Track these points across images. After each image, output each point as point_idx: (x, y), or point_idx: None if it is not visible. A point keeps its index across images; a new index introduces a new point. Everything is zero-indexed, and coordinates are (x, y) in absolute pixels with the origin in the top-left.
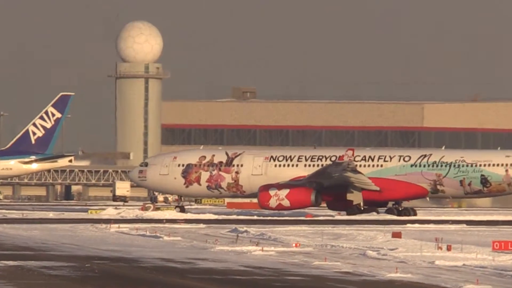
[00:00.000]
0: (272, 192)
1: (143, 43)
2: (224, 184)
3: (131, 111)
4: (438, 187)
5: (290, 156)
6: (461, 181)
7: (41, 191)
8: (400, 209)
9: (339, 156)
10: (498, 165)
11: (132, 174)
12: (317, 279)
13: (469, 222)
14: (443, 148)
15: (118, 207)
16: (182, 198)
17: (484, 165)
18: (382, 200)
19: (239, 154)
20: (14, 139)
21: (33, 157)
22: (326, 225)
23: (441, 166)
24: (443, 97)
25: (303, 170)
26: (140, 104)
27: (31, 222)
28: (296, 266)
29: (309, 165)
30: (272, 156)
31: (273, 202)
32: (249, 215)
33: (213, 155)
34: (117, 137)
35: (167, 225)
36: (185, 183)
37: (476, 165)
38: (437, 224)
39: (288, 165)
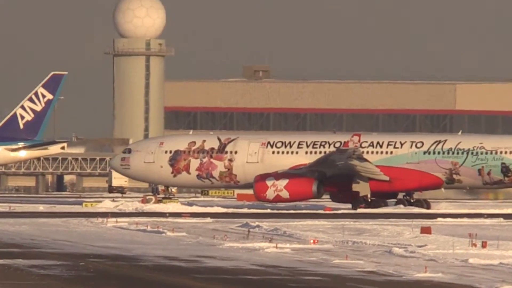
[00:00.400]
0: (269, 182)
1: (144, 17)
2: (215, 173)
3: (130, 93)
4: (454, 176)
5: (290, 142)
6: (479, 170)
7: (30, 182)
8: (412, 201)
9: (344, 142)
10: None
11: (113, 162)
12: (337, 279)
13: (506, 216)
14: (460, 133)
15: (116, 199)
16: (170, 189)
17: (505, 152)
18: (392, 191)
19: (233, 140)
20: (1, 123)
21: (21, 144)
22: (347, 219)
23: (458, 153)
24: (478, 76)
25: (304, 158)
26: (140, 84)
27: (19, 216)
28: (313, 265)
29: (311, 152)
30: (269, 142)
31: (270, 194)
32: (262, 208)
33: (204, 141)
34: (114, 121)
35: (170, 219)
36: (172, 172)
37: (496, 152)
38: (471, 218)
39: (287, 152)
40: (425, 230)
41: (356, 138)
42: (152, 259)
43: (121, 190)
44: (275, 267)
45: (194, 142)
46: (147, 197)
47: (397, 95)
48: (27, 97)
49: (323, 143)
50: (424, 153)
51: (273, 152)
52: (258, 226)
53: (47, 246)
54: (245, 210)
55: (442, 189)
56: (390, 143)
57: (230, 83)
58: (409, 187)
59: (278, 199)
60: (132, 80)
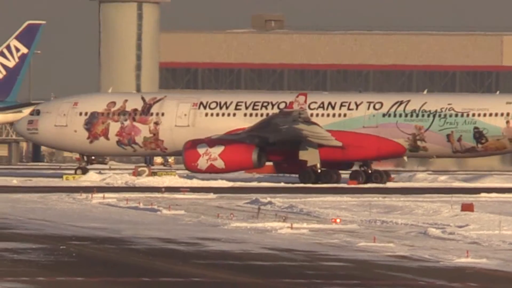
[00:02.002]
0: (201, 150)
1: None
2: (139, 139)
3: (119, 46)
4: (419, 143)
5: (226, 103)
6: (448, 136)
7: (2, 151)
8: (369, 171)
9: (289, 103)
10: (496, 114)
11: (19, 125)
12: (363, 265)
13: None
14: (425, 92)
15: (102, 171)
16: (85, 157)
17: (479, 115)
18: (346, 160)
19: (159, 100)
20: None
21: None
22: (375, 194)
23: (423, 115)
24: None
25: (242, 121)
26: (131, 36)
27: None
28: (335, 248)
29: (251, 114)
30: (202, 102)
31: (202, 163)
32: (275, 182)
33: (126, 101)
34: (100, 79)
35: (166, 194)
36: (88, 137)
37: (467, 115)
38: None
39: (223, 114)
40: (467, 208)
41: (302, 98)
42: (145, 241)
43: (101, 160)
44: (290, 251)
45: (114, 103)
46: (140, 169)
47: (433, 48)
48: None
49: (265, 104)
50: (384, 115)
51: (206, 114)
52: (270, 202)
53: (21, 227)
54: (255, 184)
55: (405, 158)
56: (344, 104)
57: (237, 34)
58: (365, 155)
59: (211, 169)
60: (122, 31)
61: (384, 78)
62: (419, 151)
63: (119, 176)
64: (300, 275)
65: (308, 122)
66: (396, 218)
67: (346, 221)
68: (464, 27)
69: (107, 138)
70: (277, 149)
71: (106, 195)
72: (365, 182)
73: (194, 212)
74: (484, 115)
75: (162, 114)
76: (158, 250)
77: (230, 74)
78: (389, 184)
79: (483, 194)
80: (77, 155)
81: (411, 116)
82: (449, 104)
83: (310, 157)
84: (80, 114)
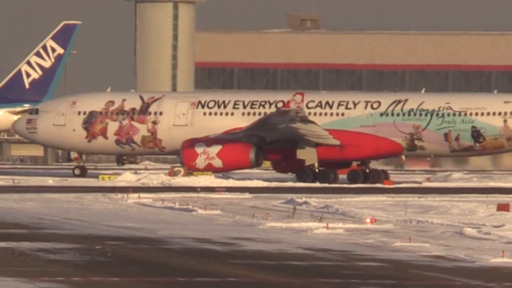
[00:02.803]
0: (199, 149)
1: None
2: (137, 138)
3: (155, 46)
4: (416, 142)
5: (224, 102)
6: (446, 135)
7: (38, 151)
8: (367, 171)
9: (286, 102)
10: (494, 113)
11: (18, 124)
12: (399, 265)
13: None
14: (423, 91)
15: (138, 171)
16: (84, 156)
17: (476, 114)
18: (344, 159)
19: (157, 99)
20: (3, 82)
21: (26, 106)
22: (410, 194)
23: (420, 115)
24: None
25: (240, 120)
26: (167, 36)
27: (24, 190)
28: (371, 248)
29: (248, 114)
30: (200, 102)
31: (200, 162)
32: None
33: (124, 100)
34: (136, 79)
35: (202, 194)
36: (87, 137)
37: (465, 114)
38: None
39: (221, 113)
40: (503, 207)
41: (298, 98)
42: (180, 241)
43: (133, 160)
44: (326, 251)
45: (112, 102)
46: (175, 169)
47: (469, 48)
48: (34, 51)
49: (262, 103)
50: (381, 114)
51: (205, 114)
52: (305, 202)
53: (57, 227)
54: (290, 184)
55: (403, 157)
56: (342, 103)
57: (273, 34)
58: (363, 154)
59: (209, 168)
60: (158, 31)
61: (420, 78)
62: (417, 150)
63: (155, 176)
64: (336, 275)
65: (305, 121)
66: (432, 218)
67: (381, 221)
68: (499, 26)
69: (106, 137)
70: (275, 148)
71: (142, 195)
72: (363, 182)
73: (229, 212)
74: (482, 114)
75: (160, 113)
76: (193, 250)
77: (266, 74)
78: (425, 184)
79: None
80: (76, 154)
81: (409, 115)
82: (447, 103)
83: (308, 156)
84: (79, 113)
